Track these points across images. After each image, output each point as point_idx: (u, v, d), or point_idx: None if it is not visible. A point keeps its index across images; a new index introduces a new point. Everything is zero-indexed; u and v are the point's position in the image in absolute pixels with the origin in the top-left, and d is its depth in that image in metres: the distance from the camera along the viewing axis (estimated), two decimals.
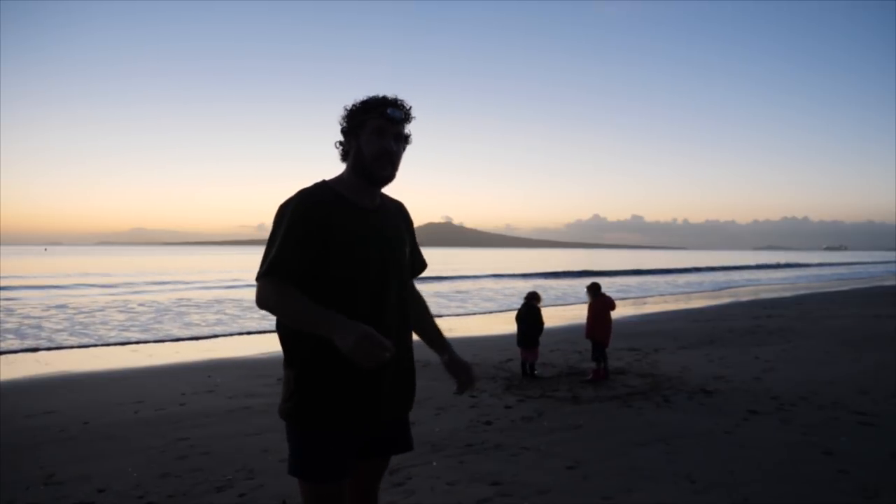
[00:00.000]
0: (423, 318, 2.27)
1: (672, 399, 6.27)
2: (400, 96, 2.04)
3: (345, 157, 2.06)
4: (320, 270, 1.90)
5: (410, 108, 2.05)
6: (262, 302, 1.88)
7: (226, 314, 17.67)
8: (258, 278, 1.89)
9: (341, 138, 2.06)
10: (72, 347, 11.52)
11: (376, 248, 1.98)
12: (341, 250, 1.91)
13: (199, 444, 4.94)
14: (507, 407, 6.05)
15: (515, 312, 8.08)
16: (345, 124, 2.02)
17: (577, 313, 16.23)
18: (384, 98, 2.01)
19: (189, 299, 21.98)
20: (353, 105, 2.02)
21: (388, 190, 2.12)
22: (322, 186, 2.01)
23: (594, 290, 7.88)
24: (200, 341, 12.34)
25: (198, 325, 15.22)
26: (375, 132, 1.97)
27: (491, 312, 16.06)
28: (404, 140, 2.04)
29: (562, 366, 8.24)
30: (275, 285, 1.85)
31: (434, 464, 4.37)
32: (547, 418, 5.62)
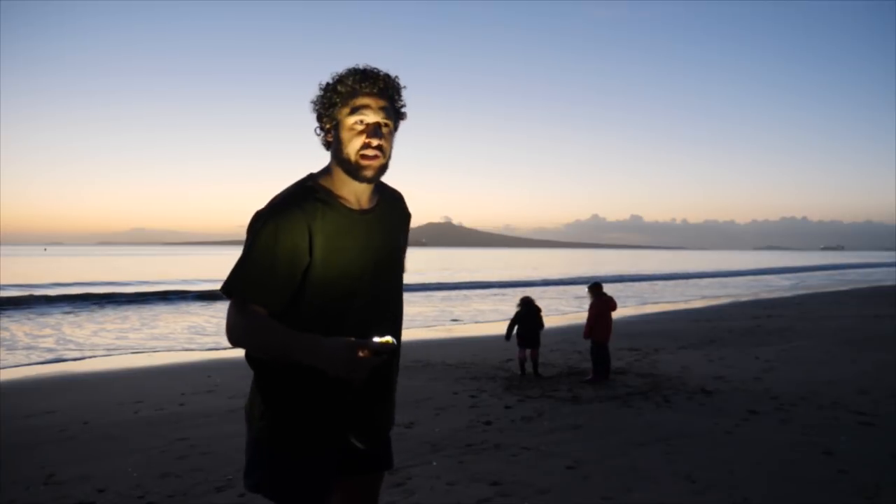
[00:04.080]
0: None
1: (672, 399, 6.27)
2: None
3: (327, 146, 1.77)
4: (302, 286, 1.68)
5: (396, 77, 1.73)
6: (232, 334, 1.66)
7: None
8: (226, 294, 1.69)
9: (318, 124, 1.77)
10: (80, 359, 11.48)
11: (369, 260, 1.75)
12: (328, 268, 1.68)
13: (199, 444, 4.94)
14: (507, 407, 6.05)
15: (513, 315, 8.03)
16: (319, 107, 1.73)
17: (577, 315, 16.25)
18: (361, 72, 1.69)
19: (187, 299, 21.97)
20: (327, 83, 1.72)
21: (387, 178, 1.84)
22: (306, 188, 1.73)
23: (596, 290, 7.87)
24: (200, 341, 12.35)
25: (197, 325, 15.23)
26: (353, 121, 1.68)
27: (494, 321, 16.08)
28: (394, 119, 1.73)
29: (562, 366, 8.24)
30: (241, 311, 1.64)
31: (434, 464, 4.36)
32: (547, 418, 5.62)
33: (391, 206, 1.87)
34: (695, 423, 5.33)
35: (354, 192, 1.75)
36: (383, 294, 1.81)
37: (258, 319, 1.63)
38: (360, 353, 1.50)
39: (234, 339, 1.66)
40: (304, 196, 1.70)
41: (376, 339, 1.53)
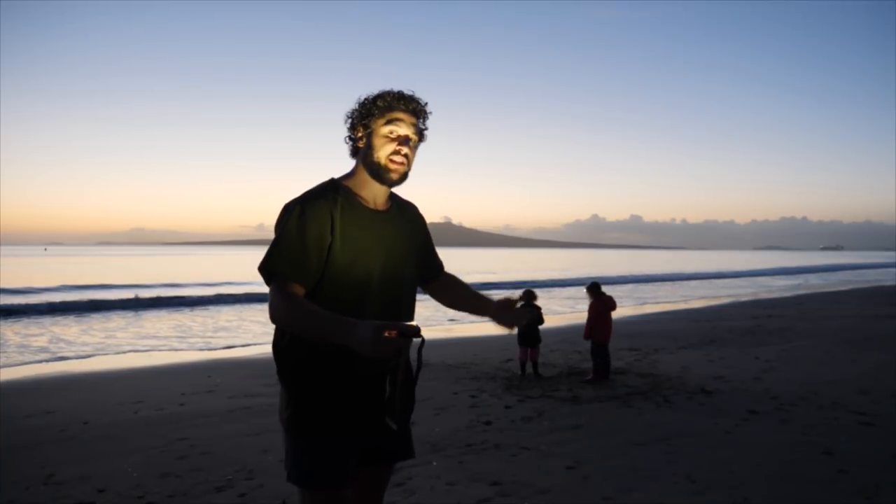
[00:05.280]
0: (464, 294, 2.25)
1: (672, 399, 6.27)
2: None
3: (354, 153, 1.98)
4: (323, 274, 1.86)
5: (426, 104, 1.98)
6: (274, 315, 1.82)
7: (226, 314, 17.67)
8: (267, 282, 1.86)
9: (349, 133, 1.98)
10: (81, 357, 11.49)
11: (382, 252, 1.93)
12: (345, 253, 1.86)
13: (199, 444, 4.94)
14: (507, 407, 6.05)
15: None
16: (355, 118, 1.95)
17: (579, 315, 16.24)
18: (398, 92, 1.94)
19: (188, 298, 21.94)
20: (366, 98, 1.94)
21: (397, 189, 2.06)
22: (330, 187, 1.94)
23: (595, 290, 7.86)
24: (200, 341, 12.35)
25: (196, 325, 15.23)
26: (387, 131, 1.90)
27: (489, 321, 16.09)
28: (419, 137, 1.97)
29: (562, 366, 8.24)
30: (282, 294, 1.79)
31: (434, 464, 4.36)
32: (547, 418, 5.62)
33: (404, 212, 2.10)
34: (695, 423, 5.33)
35: (373, 194, 1.97)
36: (396, 287, 1.97)
37: (298, 301, 1.78)
38: (387, 334, 1.60)
39: (277, 318, 1.82)
40: (327, 190, 1.92)
41: (404, 323, 1.66)
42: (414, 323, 1.67)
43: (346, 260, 1.86)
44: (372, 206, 1.96)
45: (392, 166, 1.90)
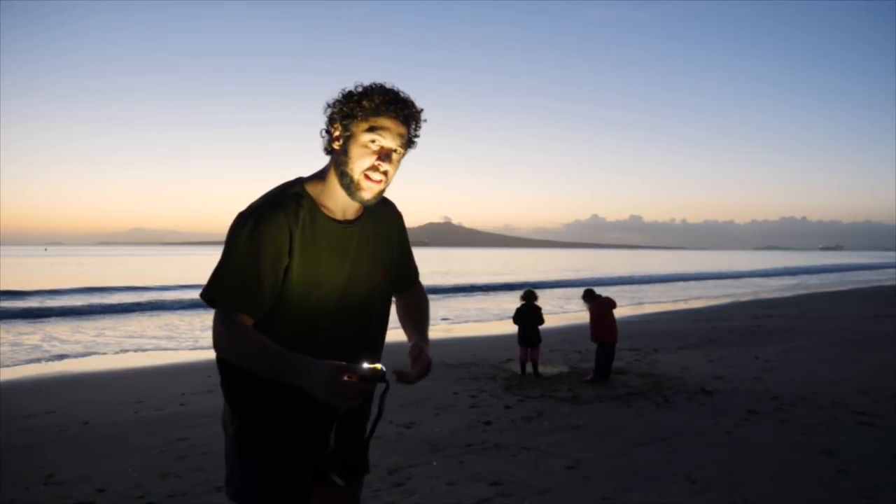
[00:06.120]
0: (416, 314, 1.96)
1: (672, 399, 6.27)
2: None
3: (328, 150, 1.71)
4: (276, 294, 1.65)
5: (421, 110, 1.69)
6: (218, 346, 1.62)
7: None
8: (209, 303, 1.64)
9: (326, 127, 1.69)
10: (79, 356, 11.47)
11: (344, 274, 1.71)
12: (302, 276, 1.65)
13: (199, 444, 4.94)
14: (507, 407, 6.05)
15: (514, 313, 8.04)
16: (335, 113, 1.66)
17: (579, 315, 16.24)
18: (390, 94, 1.64)
19: (191, 300, 21.93)
20: (350, 92, 1.64)
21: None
22: (291, 193, 1.68)
23: (590, 296, 7.90)
24: (200, 341, 12.34)
25: (184, 325, 15.23)
26: (368, 139, 1.63)
27: (490, 321, 16.08)
28: (406, 147, 1.69)
29: (562, 366, 8.25)
30: (227, 324, 1.58)
31: (434, 464, 4.37)
32: (547, 418, 5.62)
33: (377, 215, 1.82)
34: (695, 423, 5.33)
35: (342, 204, 1.71)
36: (360, 314, 1.76)
37: (245, 333, 1.58)
38: (346, 378, 1.43)
39: (221, 350, 1.63)
40: (287, 201, 1.67)
41: (366, 365, 1.47)
42: (379, 365, 1.47)
43: (301, 283, 1.65)
44: (340, 216, 1.71)
45: (365, 184, 1.64)
